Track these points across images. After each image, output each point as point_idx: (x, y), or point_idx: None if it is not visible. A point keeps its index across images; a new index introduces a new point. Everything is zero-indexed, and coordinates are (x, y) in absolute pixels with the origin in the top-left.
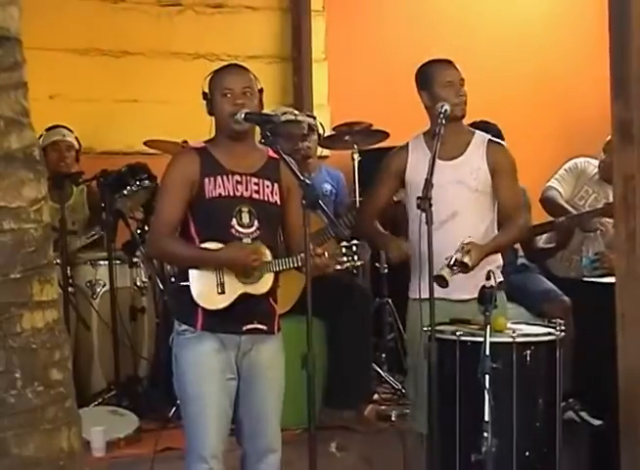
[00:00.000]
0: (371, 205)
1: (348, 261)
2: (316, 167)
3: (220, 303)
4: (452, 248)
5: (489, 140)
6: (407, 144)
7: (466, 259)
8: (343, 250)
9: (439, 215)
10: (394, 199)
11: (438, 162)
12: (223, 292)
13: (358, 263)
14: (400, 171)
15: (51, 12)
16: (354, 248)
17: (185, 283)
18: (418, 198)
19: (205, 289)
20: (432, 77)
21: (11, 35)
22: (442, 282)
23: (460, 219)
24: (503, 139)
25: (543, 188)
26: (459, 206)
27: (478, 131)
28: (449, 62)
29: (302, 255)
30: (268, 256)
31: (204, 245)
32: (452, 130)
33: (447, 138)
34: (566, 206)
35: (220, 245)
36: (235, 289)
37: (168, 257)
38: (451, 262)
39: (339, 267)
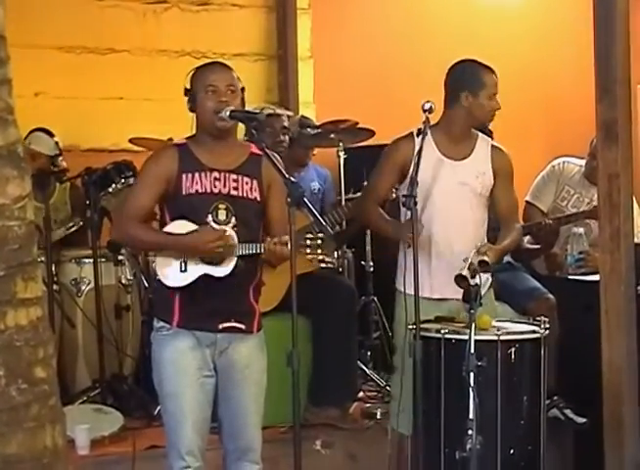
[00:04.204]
0: (373, 193)
1: (312, 254)
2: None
3: (181, 281)
4: (449, 248)
5: (492, 145)
6: (412, 135)
7: (486, 258)
8: (308, 242)
9: (440, 213)
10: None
11: (447, 161)
12: (185, 270)
13: (321, 257)
14: (405, 164)
15: (36, 9)
16: (319, 241)
17: (152, 259)
18: (403, 196)
19: (168, 267)
20: (482, 85)
21: None
22: (463, 282)
23: (460, 220)
24: (492, 135)
25: (525, 199)
26: (461, 206)
27: (480, 134)
28: (494, 71)
29: (267, 240)
30: (234, 239)
31: (173, 223)
32: (466, 132)
33: (459, 138)
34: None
35: (189, 224)
36: (196, 269)
37: (133, 240)
38: (470, 263)
39: (322, 265)
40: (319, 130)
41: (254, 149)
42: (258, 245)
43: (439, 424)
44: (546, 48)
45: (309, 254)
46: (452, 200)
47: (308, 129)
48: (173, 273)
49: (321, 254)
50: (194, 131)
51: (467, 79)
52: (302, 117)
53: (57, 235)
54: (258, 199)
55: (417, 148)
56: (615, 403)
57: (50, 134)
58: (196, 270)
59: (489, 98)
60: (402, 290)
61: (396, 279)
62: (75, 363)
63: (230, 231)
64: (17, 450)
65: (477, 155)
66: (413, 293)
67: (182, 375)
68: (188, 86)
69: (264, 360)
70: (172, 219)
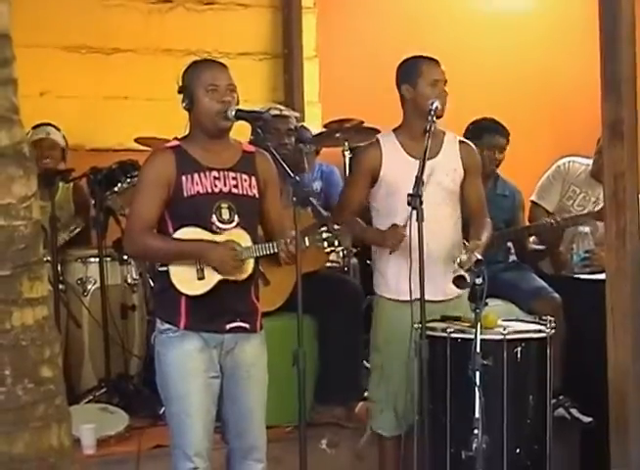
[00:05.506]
0: (349, 205)
1: (330, 246)
2: (311, 166)
3: (199, 288)
4: (426, 248)
5: (460, 140)
6: (377, 141)
7: (479, 256)
8: (324, 235)
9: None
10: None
11: (414, 161)
12: (203, 277)
13: (340, 249)
14: (375, 169)
15: (41, 9)
16: (337, 233)
17: (163, 268)
18: (409, 195)
19: (184, 274)
20: (419, 73)
21: (0, 32)
22: (464, 283)
23: (434, 218)
24: (508, 141)
25: (530, 199)
26: (434, 205)
27: (447, 130)
28: (436, 61)
29: (281, 239)
30: (248, 241)
31: (181, 231)
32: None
33: (423, 137)
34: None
35: (198, 230)
36: (214, 275)
37: (149, 251)
38: (461, 262)
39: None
40: (314, 148)
41: (246, 146)
42: (273, 244)
43: (445, 423)
44: (552, 48)
45: (326, 247)
46: (426, 200)
47: (301, 145)
48: (190, 280)
49: (338, 246)
50: (186, 131)
51: (404, 73)
52: (302, 127)
53: (61, 239)
54: (257, 196)
55: (385, 152)
56: (620, 402)
57: (56, 129)
58: (215, 276)
59: (432, 85)
60: (389, 296)
61: (377, 286)
62: (81, 363)
63: (244, 233)
64: (23, 450)
65: (445, 152)
66: (393, 297)
67: (190, 377)
68: (182, 83)
69: (266, 359)
70: (174, 222)
